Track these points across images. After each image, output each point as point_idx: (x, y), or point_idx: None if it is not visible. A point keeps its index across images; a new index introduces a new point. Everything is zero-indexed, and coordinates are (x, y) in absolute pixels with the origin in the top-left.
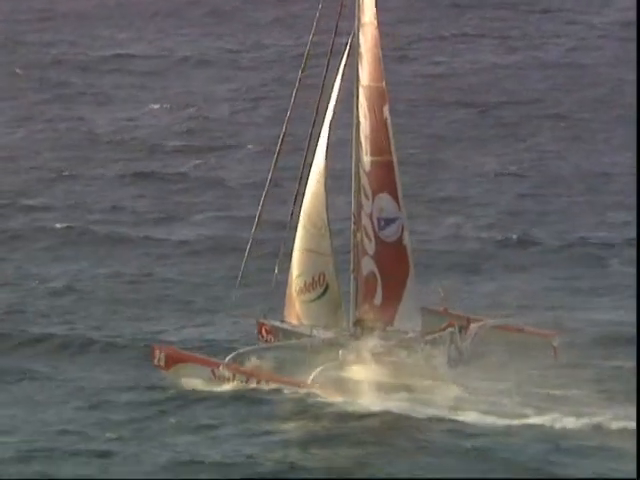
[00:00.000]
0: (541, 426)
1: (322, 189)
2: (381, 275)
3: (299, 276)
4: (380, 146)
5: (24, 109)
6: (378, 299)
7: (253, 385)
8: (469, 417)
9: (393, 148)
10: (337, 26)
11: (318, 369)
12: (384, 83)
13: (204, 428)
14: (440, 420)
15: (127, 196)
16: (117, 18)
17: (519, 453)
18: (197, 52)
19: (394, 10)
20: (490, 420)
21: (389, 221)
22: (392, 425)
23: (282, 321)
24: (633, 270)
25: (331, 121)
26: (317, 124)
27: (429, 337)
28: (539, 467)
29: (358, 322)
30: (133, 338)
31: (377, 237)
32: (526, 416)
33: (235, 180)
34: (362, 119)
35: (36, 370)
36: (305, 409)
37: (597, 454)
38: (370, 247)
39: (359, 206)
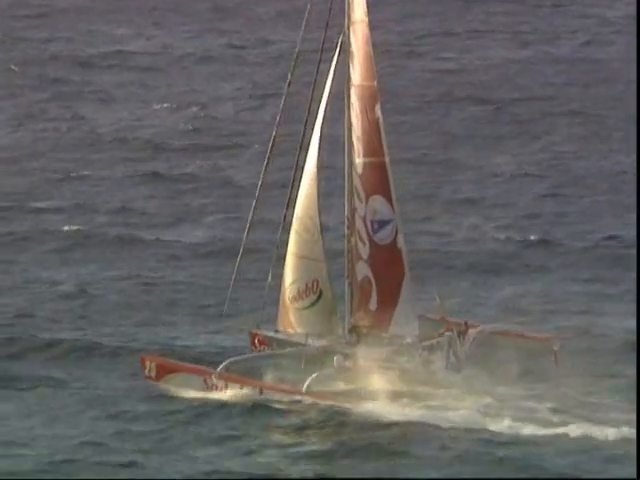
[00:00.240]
0: (572, 434)
1: (314, 192)
2: (376, 280)
3: (292, 283)
4: (372, 147)
5: (24, 108)
6: (373, 304)
7: (249, 392)
8: (499, 425)
9: (386, 149)
10: (327, 25)
11: (312, 376)
12: (376, 82)
13: (226, 439)
14: (469, 429)
15: (135, 197)
16: (116, 13)
17: (552, 462)
18: (200, 48)
19: (398, 4)
20: (521, 428)
21: (383, 223)
22: (418, 434)
23: (276, 331)
24: None
25: (322, 123)
26: (308, 126)
27: (427, 343)
28: (571, 476)
29: (354, 329)
30: (147, 343)
31: (371, 240)
32: (557, 424)
33: (244, 180)
34: (354, 120)
35: (49, 377)
36: (327, 419)
37: (626, 462)
38: (364, 251)
39: (353, 209)
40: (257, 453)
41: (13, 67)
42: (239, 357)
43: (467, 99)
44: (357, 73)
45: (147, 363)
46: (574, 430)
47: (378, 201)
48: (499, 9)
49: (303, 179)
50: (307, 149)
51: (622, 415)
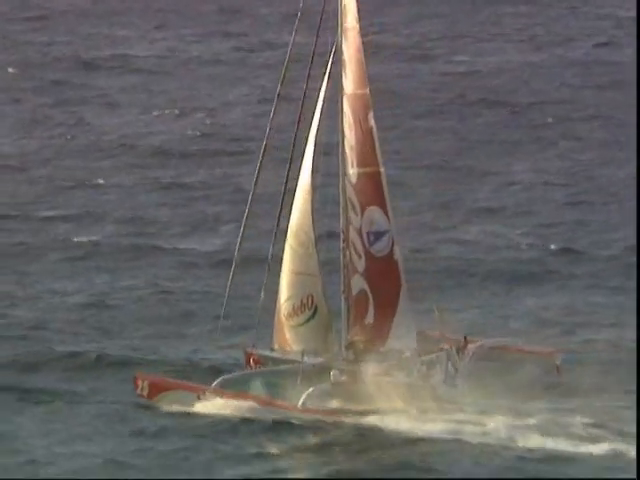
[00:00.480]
0: (604, 450)
1: (308, 206)
2: (372, 293)
3: (287, 300)
4: (366, 157)
5: (29, 113)
6: (370, 318)
7: (246, 406)
8: (530, 441)
9: (380, 158)
10: (318, 32)
11: (308, 391)
12: (368, 90)
13: (255, 458)
14: (501, 445)
15: (146, 205)
16: (119, 15)
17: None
18: (206, 52)
19: (406, 6)
20: (553, 444)
21: (379, 235)
22: (449, 450)
23: (271, 349)
24: None
25: (316, 134)
26: (299, 138)
27: (426, 358)
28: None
29: (350, 345)
30: (165, 356)
31: (367, 253)
32: (588, 439)
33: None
34: (347, 130)
35: (66, 390)
36: (352, 436)
37: None
38: (360, 264)
39: (347, 222)
40: (289, 472)
41: (15, 71)
42: (234, 374)
43: (481, 103)
44: (349, 81)
45: (140, 382)
46: (606, 446)
47: (375, 212)
48: (509, 10)
49: (297, 192)
50: (300, 161)
51: None
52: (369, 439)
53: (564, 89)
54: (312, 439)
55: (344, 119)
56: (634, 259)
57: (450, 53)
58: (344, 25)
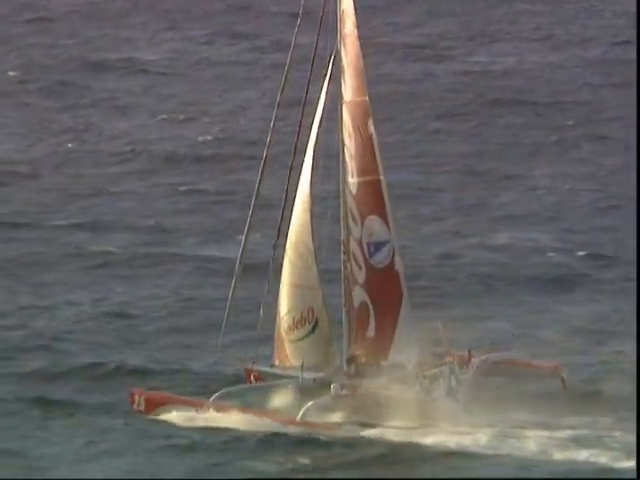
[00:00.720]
0: None
1: (307, 216)
2: (373, 305)
3: (287, 313)
4: (366, 166)
5: (37, 119)
6: (371, 331)
7: (244, 420)
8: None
9: (380, 166)
10: (317, 41)
11: (308, 405)
12: (367, 97)
13: (290, 473)
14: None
15: (162, 212)
16: (124, 17)
17: None
18: (215, 53)
19: (417, 4)
20: (598, 458)
21: (379, 245)
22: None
23: (272, 365)
24: None
25: (315, 143)
26: (298, 148)
27: (429, 372)
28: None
29: (352, 359)
30: (188, 366)
31: (367, 264)
32: (630, 453)
33: (273, 193)
34: (346, 138)
35: (87, 403)
36: (381, 452)
37: None
38: (360, 276)
39: (348, 232)
40: None
41: (20, 74)
42: (233, 387)
43: (500, 104)
44: (348, 88)
45: (136, 397)
46: None
47: (375, 221)
48: (524, 7)
49: (296, 203)
50: (299, 171)
51: None
52: (398, 453)
53: (584, 89)
54: (349, 454)
55: (343, 128)
56: None
57: (466, 53)
58: (343, 31)
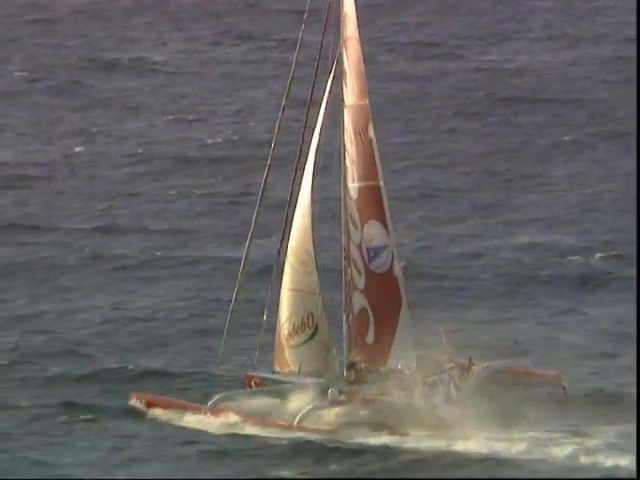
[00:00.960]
0: None
1: (308, 223)
2: (373, 310)
3: (288, 318)
4: (367, 170)
5: (46, 119)
6: (371, 337)
7: (244, 425)
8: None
9: (380, 171)
10: (322, 45)
11: (305, 409)
12: (368, 101)
13: None
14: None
15: (179, 214)
16: (130, 17)
17: None
18: (222, 53)
19: (425, 3)
20: (627, 463)
21: (379, 250)
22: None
23: (273, 372)
24: None
25: (317, 149)
26: (303, 154)
27: (429, 379)
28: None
29: (351, 365)
30: (211, 369)
31: (367, 269)
32: None
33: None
34: (348, 144)
35: (112, 407)
36: (406, 460)
37: None
38: (360, 281)
39: (348, 238)
40: None
41: (29, 75)
42: (231, 392)
43: (514, 103)
44: (350, 92)
45: (134, 400)
46: None
47: (374, 226)
48: (533, 3)
49: (297, 210)
50: (301, 178)
51: None
52: (425, 462)
53: (599, 86)
54: (374, 463)
55: (345, 133)
56: None
57: (478, 52)
58: (345, 35)
